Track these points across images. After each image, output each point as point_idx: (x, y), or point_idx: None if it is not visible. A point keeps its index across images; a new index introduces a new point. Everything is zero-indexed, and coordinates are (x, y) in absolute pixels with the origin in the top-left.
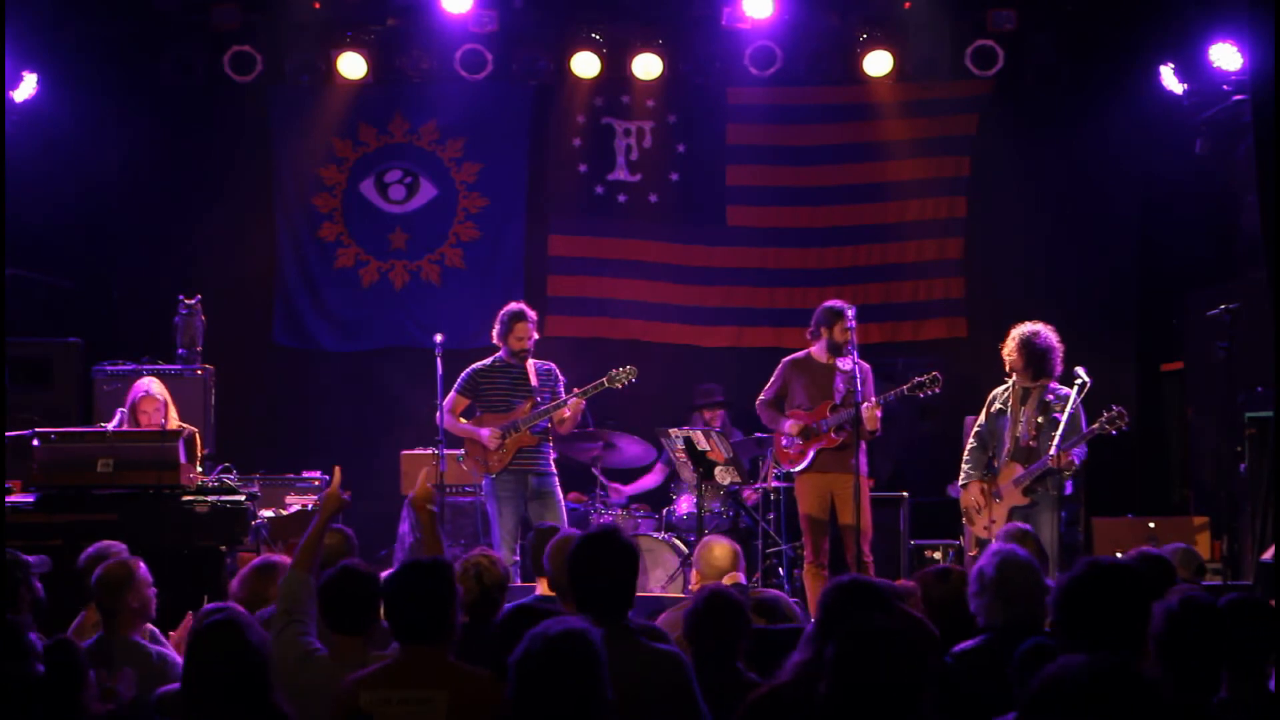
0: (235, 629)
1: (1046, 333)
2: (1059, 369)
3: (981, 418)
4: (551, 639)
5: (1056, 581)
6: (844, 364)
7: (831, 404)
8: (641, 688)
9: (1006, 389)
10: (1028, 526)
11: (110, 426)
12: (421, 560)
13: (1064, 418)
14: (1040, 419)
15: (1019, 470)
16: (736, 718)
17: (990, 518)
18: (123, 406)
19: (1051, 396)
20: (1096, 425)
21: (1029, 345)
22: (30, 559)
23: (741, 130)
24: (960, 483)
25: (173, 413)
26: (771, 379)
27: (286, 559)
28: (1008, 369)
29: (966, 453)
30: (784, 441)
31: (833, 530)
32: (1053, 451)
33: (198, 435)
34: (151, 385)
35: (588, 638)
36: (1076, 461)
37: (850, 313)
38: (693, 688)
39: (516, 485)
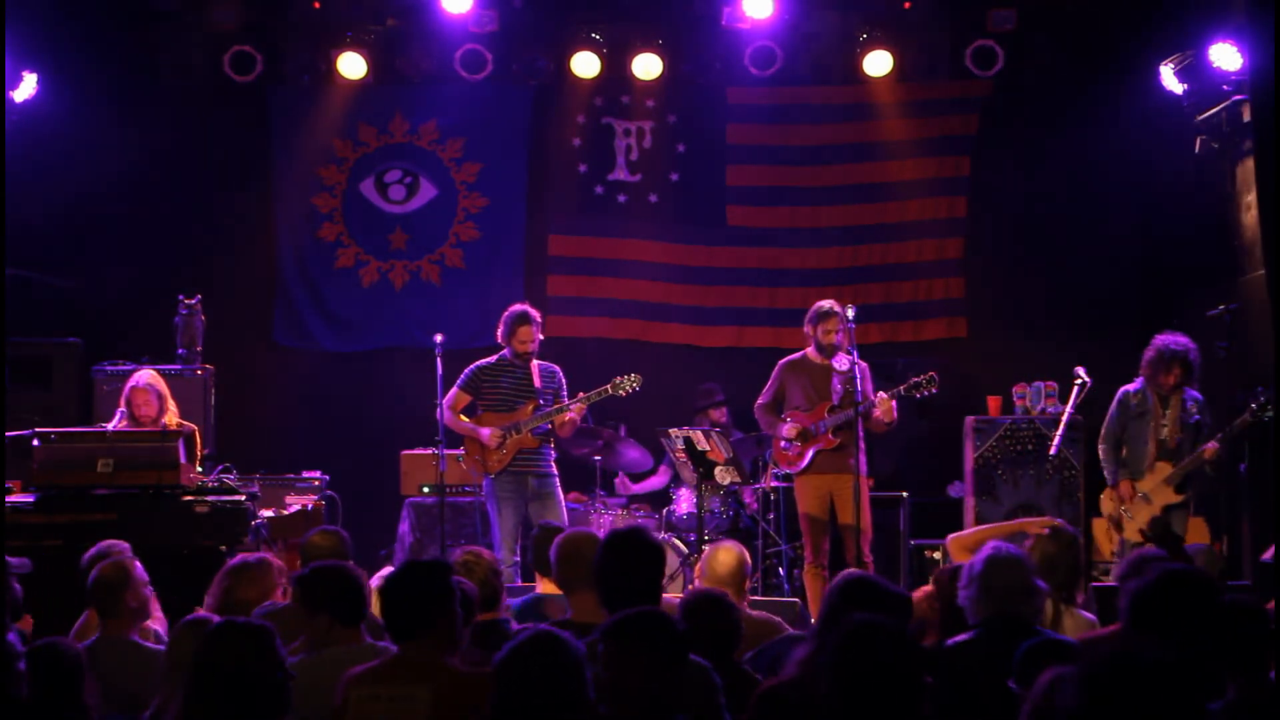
0: (247, 636)
1: (1191, 344)
2: None
3: (1112, 422)
4: (530, 643)
5: (1127, 586)
6: (841, 364)
7: (829, 405)
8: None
9: (1140, 392)
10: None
11: (110, 426)
12: (417, 560)
13: (1197, 418)
14: (1182, 419)
15: (1169, 469)
16: (745, 714)
17: (1146, 519)
18: (121, 402)
19: (1190, 399)
20: (1248, 414)
21: (1189, 364)
22: (12, 560)
23: (741, 130)
24: (1111, 484)
25: (171, 406)
26: (769, 382)
27: (273, 559)
28: (1161, 385)
29: (1104, 455)
30: (782, 444)
31: (832, 530)
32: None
33: (198, 433)
34: (143, 377)
35: (567, 642)
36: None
37: (841, 313)
38: (717, 688)
39: (516, 486)
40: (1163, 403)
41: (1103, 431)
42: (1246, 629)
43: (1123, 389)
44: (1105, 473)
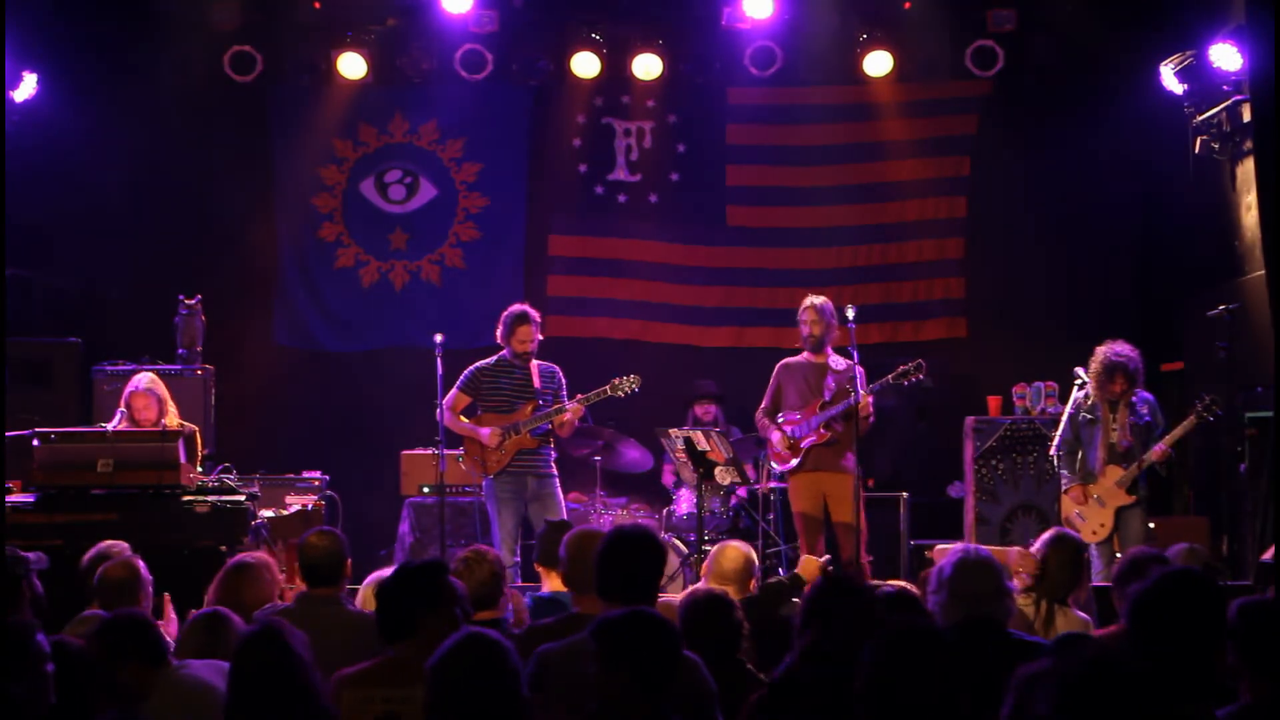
0: (279, 638)
1: (1132, 353)
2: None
3: (1065, 429)
4: (462, 644)
5: (1127, 589)
6: (837, 364)
7: (821, 402)
8: None
9: (1090, 399)
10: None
11: (110, 426)
12: (410, 562)
13: (1151, 419)
14: (1132, 421)
15: (1120, 472)
16: (740, 718)
17: (1100, 521)
18: (121, 405)
19: (1138, 399)
20: (1193, 415)
21: (1131, 373)
22: (29, 555)
23: (741, 130)
24: (1063, 489)
25: (171, 408)
26: (768, 386)
27: (266, 558)
28: (1109, 392)
29: (1060, 461)
30: (774, 444)
31: (828, 530)
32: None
33: (198, 434)
34: (143, 381)
35: (499, 643)
36: (1173, 454)
37: (819, 304)
38: (713, 696)
39: (516, 487)
40: (1111, 408)
41: (1057, 440)
42: (1263, 630)
43: (1074, 397)
44: (1061, 479)
